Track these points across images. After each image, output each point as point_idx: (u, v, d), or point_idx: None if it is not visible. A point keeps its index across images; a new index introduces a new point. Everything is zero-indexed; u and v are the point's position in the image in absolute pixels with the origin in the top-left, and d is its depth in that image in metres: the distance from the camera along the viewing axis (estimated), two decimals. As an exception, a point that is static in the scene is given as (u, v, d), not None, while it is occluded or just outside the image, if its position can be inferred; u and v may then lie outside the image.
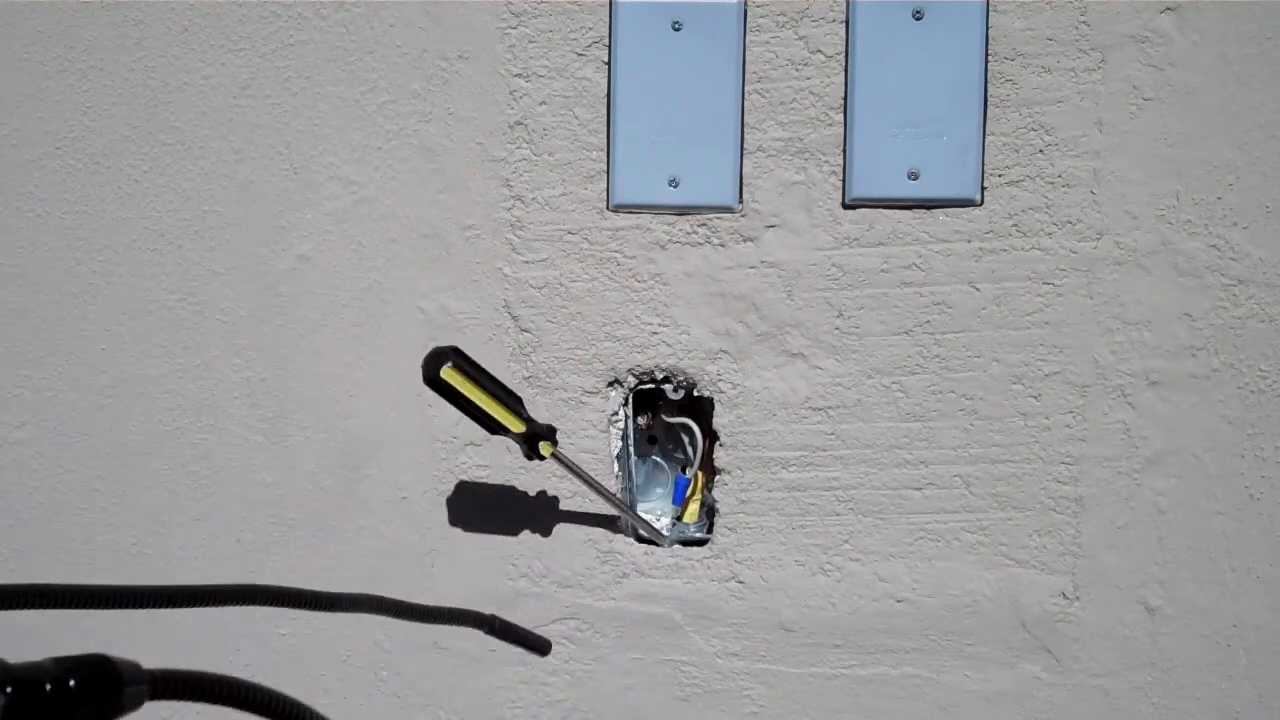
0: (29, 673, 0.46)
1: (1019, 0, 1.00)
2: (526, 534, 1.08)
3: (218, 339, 1.12)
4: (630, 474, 1.09)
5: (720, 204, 1.04)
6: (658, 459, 1.11)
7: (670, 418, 1.08)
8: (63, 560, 1.15)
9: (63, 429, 1.15)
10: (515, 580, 1.09)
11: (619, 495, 1.07)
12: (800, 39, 1.02)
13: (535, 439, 0.96)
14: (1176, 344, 1.01)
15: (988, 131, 1.01)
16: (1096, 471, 1.02)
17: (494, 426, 0.94)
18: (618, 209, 1.05)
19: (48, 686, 0.46)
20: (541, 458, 0.96)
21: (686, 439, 1.09)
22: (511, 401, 0.94)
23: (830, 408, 1.04)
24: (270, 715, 0.57)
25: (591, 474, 1.01)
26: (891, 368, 1.04)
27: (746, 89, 1.03)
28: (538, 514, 1.08)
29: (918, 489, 1.04)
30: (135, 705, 0.50)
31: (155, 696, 0.51)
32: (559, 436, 0.99)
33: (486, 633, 0.79)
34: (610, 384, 1.07)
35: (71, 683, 0.47)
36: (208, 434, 1.12)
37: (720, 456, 1.06)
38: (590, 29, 1.04)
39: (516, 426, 0.94)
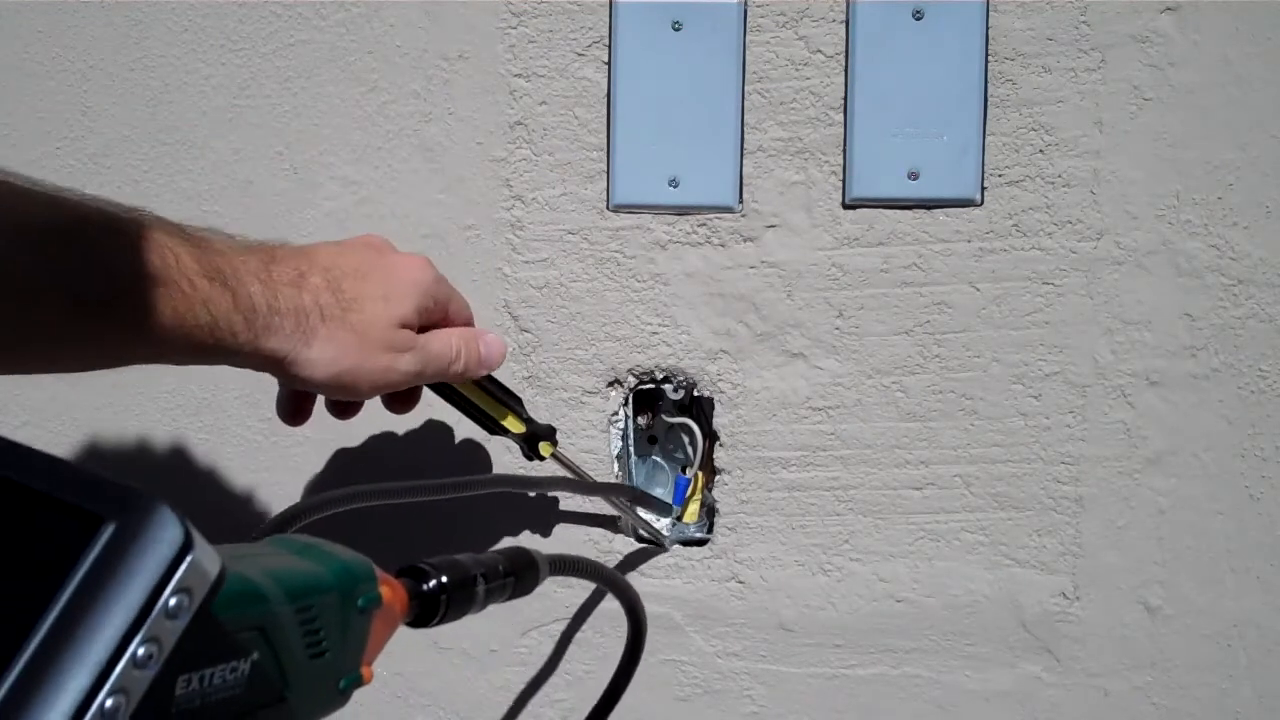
0: (491, 566, 0.65)
1: (1019, 0, 1.00)
2: (526, 534, 1.08)
3: (218, 339, 1.11)
4: (630, 474, 1.09)
5: (720, 204, 1.03)
6: (658, 459, 1.11)
7: (670, 418, 1.08)
8: (63, 560, 1.15)
9: (63, 429, 1.15)
10: (515, 580, 1.09)
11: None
12: (800, 39, 1.02)
13: (535, 439, 0.96)
14: (1176, 344, 1.01)
15: (988, 131, 1.01)
16: (1096, 471, 1.02)
17: (494, 426, 0.94)
18: (618, 209, 1.05)
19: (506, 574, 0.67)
20: (541, 458, 0.96)
21: (686, 439, 1.09)
22: (511, 401, 0.94)
23: (830, 408, 1.04)
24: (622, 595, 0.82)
25: (591, 474, 1.01)
26: (891, 368, 1.04)
27: (746, 89, 1.03)
28: (538, 514, 1.08)
29: (918, 489, 1.04)
30: (540, 581, 0.70)
31: (551, 574, 0.72)
32: (559, 436, 0.99)
33: (629, 501, 0.99)
34: (610, 384, 1.07)
35: (512, 569, 0.67)
36: (208, 434, 1.12)
37: (720, 456, 1.06)
38: (590, 29, 1.04)
39: (516, 426, 0.94)
